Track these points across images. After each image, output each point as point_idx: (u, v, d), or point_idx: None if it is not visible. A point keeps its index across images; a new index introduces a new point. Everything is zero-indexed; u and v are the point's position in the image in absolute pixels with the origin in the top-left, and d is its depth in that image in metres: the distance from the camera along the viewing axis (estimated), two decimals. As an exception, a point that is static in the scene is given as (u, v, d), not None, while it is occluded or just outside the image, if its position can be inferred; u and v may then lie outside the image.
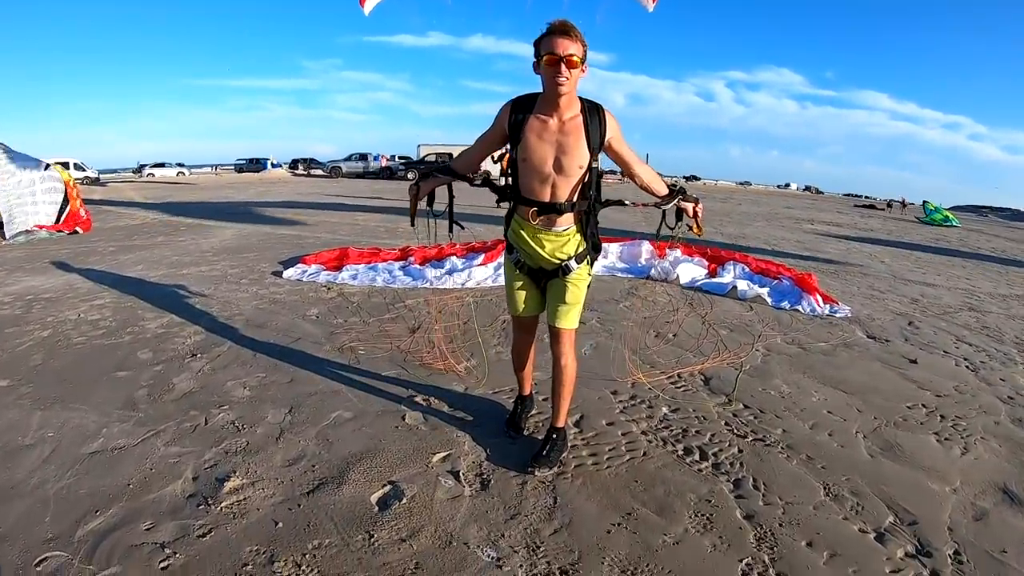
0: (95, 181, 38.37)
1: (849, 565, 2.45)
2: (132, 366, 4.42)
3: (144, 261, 8.74)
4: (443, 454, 3.21)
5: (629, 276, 8.28)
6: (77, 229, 12.07)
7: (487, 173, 3.15)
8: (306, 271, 7.69)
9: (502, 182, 3.08)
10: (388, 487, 2.87)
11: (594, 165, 2.81)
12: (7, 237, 10.80)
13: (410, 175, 43.08)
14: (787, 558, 2.47)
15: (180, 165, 56.11)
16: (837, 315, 6.64)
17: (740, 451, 3.35)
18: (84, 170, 39.56)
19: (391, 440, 3.34)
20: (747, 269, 8.22)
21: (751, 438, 3.52)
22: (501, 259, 7.54)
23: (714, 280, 7.83)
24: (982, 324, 6.93)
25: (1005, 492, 3.09)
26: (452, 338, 5.01)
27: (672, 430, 3.58)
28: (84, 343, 4.96)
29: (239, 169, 60.12)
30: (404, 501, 2.75)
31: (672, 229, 3.21)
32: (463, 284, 7.20)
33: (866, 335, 5.95)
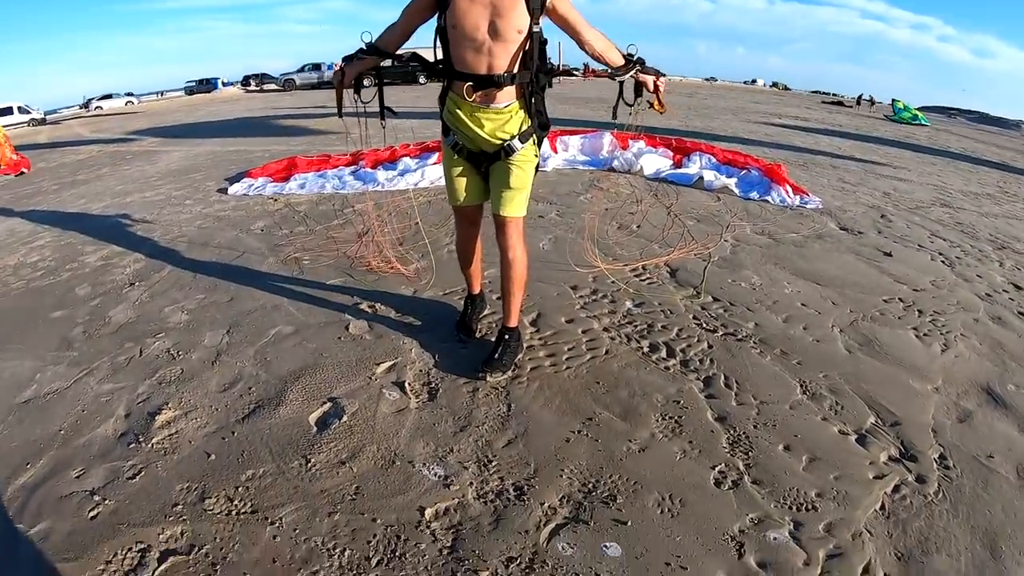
0: (41, 122, 36.96)
1: (830, 470, 2.28)
2: (69, 304, 4.14)
3: (87, 195, 8.27)
4: (388, 364, 2.99)
5: (591, 168, 7.98)
6: (23, 171, 11.62)
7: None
8: (252, 184, 7.30)
9: (431, 56, 2.72)
10: (328, 404, 2.66)
11: (536, 29, 2.46)
12: None
13: (365, 82, 42.25)
14: (763, 464, 2.30)
15: (129, 95, 54.11)
16: (808, 206, 6.42)
17: (710, 346, 3.16)
18: (29, 111, 38.11)
19: (333, 353, 3.11)
20: (714, 160, 7.91)
21: (721, 332, 3.32)
22: None
23: (679, 171, 7.54)
24: (955, 220, 6.73)
25: (988, 393, 2.93)
26: (402, 240, 4.74)
27: (637, 326, 3.38)
28: (23, 287, 4.65)
29: (189, 91, 58.06)
30: (345, 419, 2.54)
31: (631, 105, 2.89)
32: (416, 184, 6.88)
33: (838, 227, 5.74)
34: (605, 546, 1.90)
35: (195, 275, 4.38)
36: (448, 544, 1.92)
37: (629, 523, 1.99)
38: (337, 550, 1.90)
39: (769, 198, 6.55)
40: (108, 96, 52.81)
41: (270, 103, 30.22)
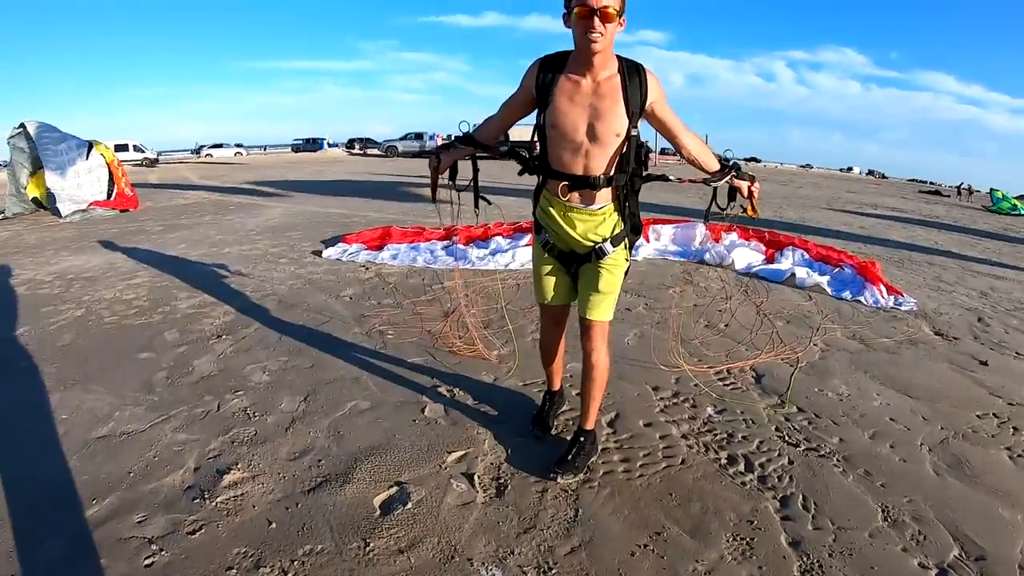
0: (153, 162, 39.49)
1: None
2: (157, 347, 4.37)
3: (187, 241, 8.79)
4: (460, 453, 2.97)
5: (681, 260, 7.90)
6: (128, 209, 12.43)
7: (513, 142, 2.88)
8: (346, 250, 7.57)
9: (526, 150, 2.77)
10: (395, 488, 2.65)
11: (633, 133, 2.47)
12: (63, 215, 11.05)
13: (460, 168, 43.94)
14: None
15: (239, 146, 58.08)
16: (902, 308, 6.14)
17: (790, 462, 3.00)
18: (143, 151, 40.61)
19: (406, 435, 3.11)
20: (807, 255, 7.73)
21: (804, 447, 3.16)
22: None
23: (771, 266, 7.39)
24: None
25: None
26: (487, 323, 4.78)
27: (716, 434, 3.25)
28: (114, 323, 4.94)
29: (295, 149, 61.24)
30: (409, 506, 2.52)
31: (723, 209, 2.87)
32: (507, 265, 6.97)
33: (933, 331, 5.46)
34: None
35: (280, 336, 4.54)
36: None
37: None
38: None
39: (862, 298, 6.32)
40: (219, 145, 56.49)
41: (372, 167, 31.72)
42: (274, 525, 2.39)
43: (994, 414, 3.74)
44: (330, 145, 61.17)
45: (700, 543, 2.37)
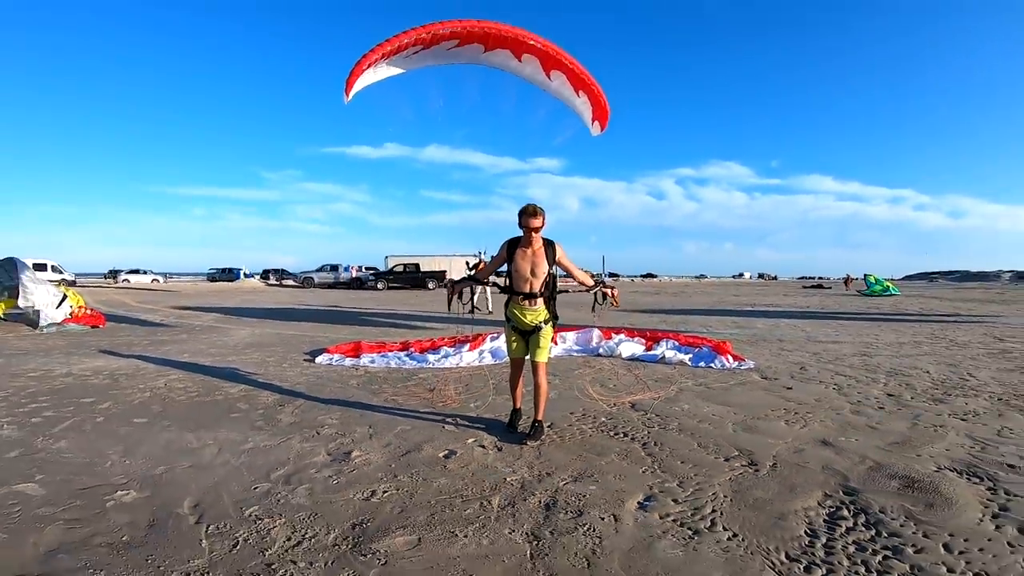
0: (72, 283, 39.61)
1: (702, 469, 4.58)
2: (238, 411, 6.31)
3: (187, 352, 10.69)
4: (472, 439, 5.36)
5: (584, 355, 10.53)
6: (99, 326, 14.47)
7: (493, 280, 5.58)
8: (332, 358, 9.81)
9: (502, 282, 5.51)
10: (446, 452, 5.00)
11: (552, 272, 5.22)
12: (40, 327, 13.26)
13: (379, 285, 46.32)
14: (670, 470, 4.57)
15: (156, 274, 59.19)
16: (742, 368, 8.93)
17: (648, 431, 5.57)
18: (61, 272, 41.19)
19: (440, 435, 5.48)
20: (677, 343, 10.62)
21: (657, 426, 5.74)
22: (484, 346, 10.03)
23: (649, 352, 10.16)
24: (866, 364, 9.32)
25: (823, 442, 5.25)
26: (460, 393, 7.17)
27: (607, 427, 5.76)
28: (186, 400, 6.79)
29: (211, 278, 62.54)
30: (459, 455, 4.90)
31: (600, 304, 5.68)
32: (456, 364, 9.34)
33: (760, 377, 8.25)
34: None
35: (326, 404, 6.67)
36: (531, 507, 4.17)
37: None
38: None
39: (714, 364, 9.07)
40: (136, 271, 57.77)
41: (295, 297, 33.36)
42: (394, 465, 4.64)
43: (784, 409, 6.42)
44: (246, 275, 62.35)
45: (601, 457, 4.86)
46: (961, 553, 3.29)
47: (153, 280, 57.04)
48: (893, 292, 37.62)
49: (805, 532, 3.53)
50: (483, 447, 5.14)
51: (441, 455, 4.92)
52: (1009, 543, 3.41)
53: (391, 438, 5.39)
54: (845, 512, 3.80)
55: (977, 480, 4.38)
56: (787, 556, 3.24)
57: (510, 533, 3.52)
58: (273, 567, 3.09)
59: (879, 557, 3.23)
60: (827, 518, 3.72)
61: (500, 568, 3.12)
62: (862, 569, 3.11)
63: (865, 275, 41.75)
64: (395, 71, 9.38)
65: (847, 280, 55.17)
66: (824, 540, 3.42)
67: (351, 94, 9.18)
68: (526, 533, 3.51)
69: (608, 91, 9.69)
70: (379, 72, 9.18)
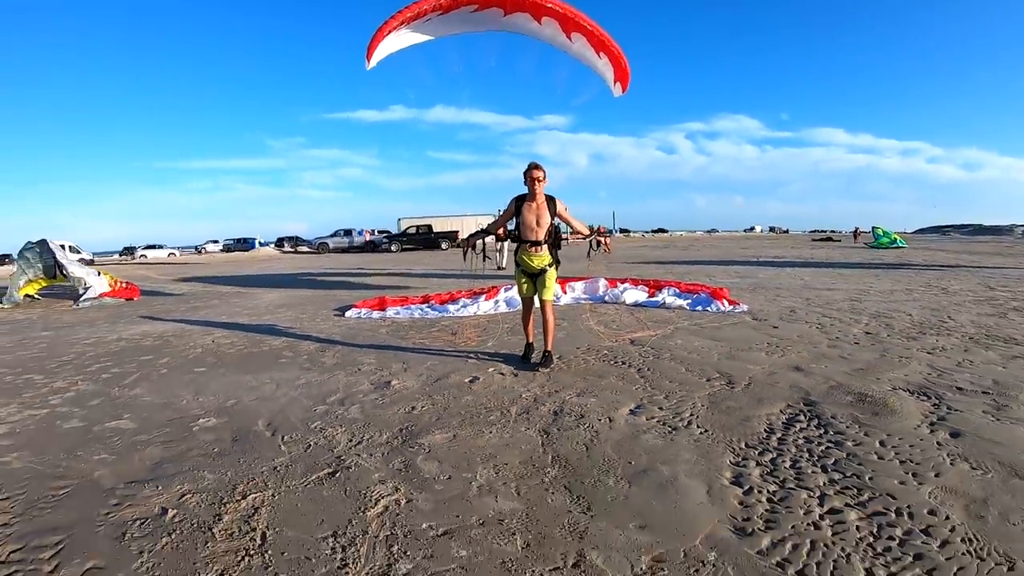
0: (90, 262, 39.67)
1: (686, 387, 5.41)
2: (285, 357, 7.17)
3: (225, 313, 11.56)
4: (492, 368, 6.26)
5: (591, 302, 11.38)
6: (132, 297, 15.12)
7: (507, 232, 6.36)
8: (360, 312, 10.71)
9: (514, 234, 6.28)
10: (471, 377, 5.90)
11: (554, 222, 6.06)
12: (79, 304, 13.83)
13: (393, 247, 47.28)
14: (659, 388, 5.41)
15: (173, 248, 60.27)
16: (736, 311, 9.67)
17: (643, 360, 6.42)
18: (79, 252, 41.87)
19: (466, 366, 6.39)
20: (678, 290, 11.46)
21: (651, 357, 6.59)
22: (499, 296, 10.92)
23: (651, 299, 11.01)
24: (853, 307, 9.97)
25: (796, 368, 6.01)
26: (479, 335, 8.06)
27: (607, 357, 6.62)
28: (235, 352, 7.58)
29: (227, 249, 63.19)
30: (481, 380, 5.80)
31: (595, 250, 6.56)
32: (474, 313, 10.24)
33: (752, 318, 9.04)
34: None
35: (362, 348, 7.55)
36: (518, 406, 5.05)
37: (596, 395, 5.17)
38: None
39: (710, 308, 9.86)
40: (152, 246, 58.83)
41: (312, 263, 34.28)
42: (428, 389, 5.54)
43: (767, 343, 7.19)
44: (261, 244, 63.27)
45: (602, 378, 5.74)
46: (893, 447, 3.90)
47: (170, 254, 57.67)
48: (900, 245, 37.05)
49: (764, 430, 4.32)
50: (502, 374, 6.02)
51: (467, 380, 5.81)
52: (938, 443, 3.96)
53: (423, 370, 6.27)
54: (801, 417, 4.56)
55: (925, 398, 4.94)
56: (746, 444, 4.05)
57: (526, 430, 4.41)
58: (342, 458, 3.97)
59: (823, 446, 3.98)
60: (785, 421, 4.49)
61: (518, 452, 4.00)
62: (806, 455, 3.86)
63: (873, 227, 41.11)
64: (415, 38, 9.70)
65: (856, 233, 55.02)
66: (779, 435, 4.20)
67: (373, 61, 9.64)
68: (538, 430, 4.40)
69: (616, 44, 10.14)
70: (401, 39, 9.54)
